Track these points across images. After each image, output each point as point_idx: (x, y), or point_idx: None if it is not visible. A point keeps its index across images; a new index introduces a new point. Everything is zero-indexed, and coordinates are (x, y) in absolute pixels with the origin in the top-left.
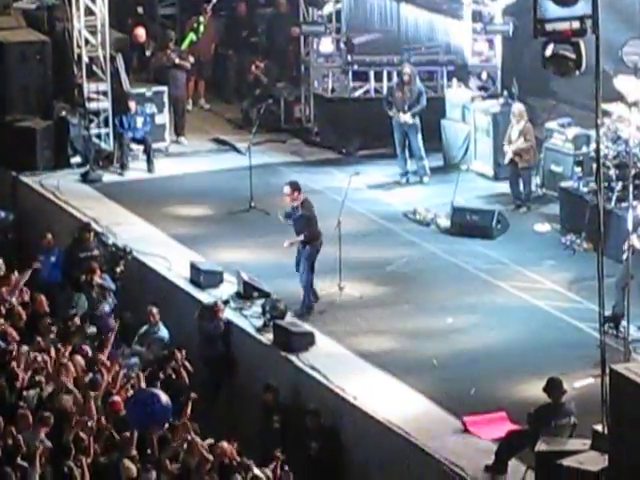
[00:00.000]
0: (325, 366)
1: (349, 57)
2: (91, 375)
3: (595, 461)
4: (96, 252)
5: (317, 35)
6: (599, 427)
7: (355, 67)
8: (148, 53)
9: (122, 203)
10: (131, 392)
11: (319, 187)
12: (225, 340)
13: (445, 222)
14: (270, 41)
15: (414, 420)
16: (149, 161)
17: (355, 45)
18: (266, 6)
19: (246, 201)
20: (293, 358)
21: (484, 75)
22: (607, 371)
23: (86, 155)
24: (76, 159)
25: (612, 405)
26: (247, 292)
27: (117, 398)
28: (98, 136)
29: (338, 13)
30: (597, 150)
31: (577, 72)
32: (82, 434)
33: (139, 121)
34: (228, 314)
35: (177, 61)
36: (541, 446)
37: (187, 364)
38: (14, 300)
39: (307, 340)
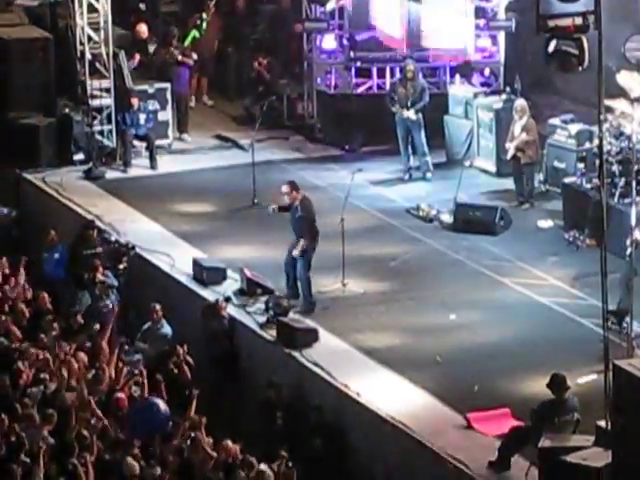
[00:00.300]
0: (329, 362)
1: (352, 53)
2: (93, 372)
3: (598, 457)
4: (99, 249)
5: (320, 31)
6: (602, 423)
7: (358, 63)
8: (151, 50)
9: (125, 200)
10: (135, 388)
11: (322, 183)
12: (229, 337)
13: (448, 218)
14: (273, 38)
15: (417, 416)
16: (152, 158)
17: (358, 41)
18: (269, 3)
19: (249, 198)
20: (296, 354)
21: (487, 71)
22: (610, 367)
23: (89, 152)
24: (79, 156)
25: (615, 401)
26: (250, 289)
27: (121, 395)
28: (101, 133)
29: (341, 9)
30: (600, 146)
31: (580, 68)
32: (85, 432)
33: (142, 118)
34: (231, 311)
35: (180, 58)
36: (544, 442)
37: (189, 359)
38: (14, 296)
39: (310, 336)
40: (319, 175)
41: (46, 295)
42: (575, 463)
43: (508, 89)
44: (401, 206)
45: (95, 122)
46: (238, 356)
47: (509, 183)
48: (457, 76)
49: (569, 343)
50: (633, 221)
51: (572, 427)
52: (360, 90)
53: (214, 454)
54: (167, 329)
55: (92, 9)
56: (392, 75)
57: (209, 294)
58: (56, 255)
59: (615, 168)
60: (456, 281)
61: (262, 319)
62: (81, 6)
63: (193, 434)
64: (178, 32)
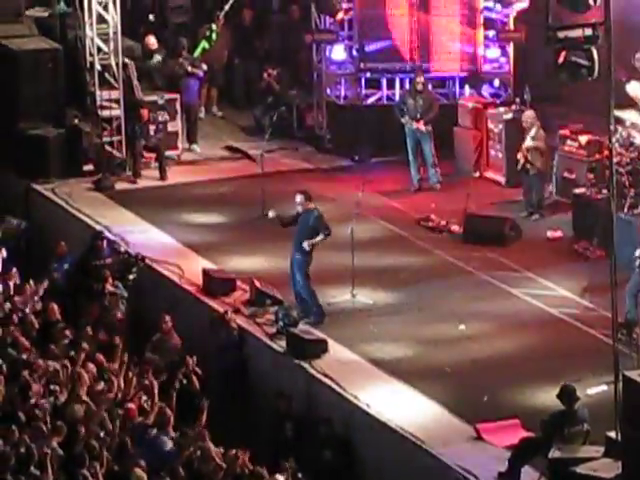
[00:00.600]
0: (338, 373)
1: (361, 64)
2: (103, 383)
3: (609, 468)
4: (108, 260)
5: (329, 42)
6: (612, 434)
7: (367, 74)
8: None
9: (134, 211)
10: (145, 399)
11: (332, 194)
12: (239, 348)
13: (458, 229)
14: (282, 48)
15: (427, 427)
16: (161, 169)
17: (367, 52)
18: (279, 13)
19: (259, 208)
20: (306, 365)
21: (497, 82)
22: (620, 378)
23: (98, 163)
24: (88, 167)
25: (625, 412)
26: (260, 300)
27: (131, 405)
28: (110, 144)
29: (350, 20)
30: (610, 157)
31: (589, 79)
32: (94, 443)
33: (151, 129)
34: (241, 322)
35: (190, 69)
36: (554, 453)
37: (198, 370)
38: (27, 309)
39: (320, 347)
40: (328, 186)
41: (55, 306)
42: (585, 474)
43: (518, 100)
44: (411, 217)
45: (104, 133)
46: (247, 367)
47: (518, 193)
48: (467, 87)
49: (579, 354)
50: None
51: (582, 438)
52: (370, 101)
53: (224, 465)
54: (176, 340)
55: (101, 20)
56: (402, 86)
57: (218, 305)
58: (65, 266)
59: (625, 179)
60: (465, 292)
61: (272, 330)
62: (90, 17)
63: (203, 444)
64: (188, 43)
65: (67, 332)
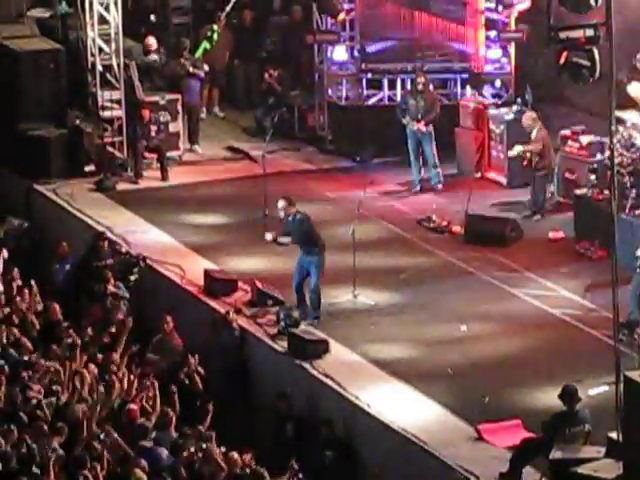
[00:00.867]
0: (339, 374)
1: (363, 65)
2: (104, 384)
3: (610, 469)
4: (110, 261)
5: (331, 43)
6: (614, 434)
7: (369, 75)
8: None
9: (136, 211)
10: (147, 400)
11: (333, 195)
12: (240, 349)
13: (459, 230)
14: (284, 49)
15: (428, 428)
16: (163, 169)
17: (369, 53)
18: (281, 14)
19: (260, 209)
20: (307, 366)
21: (498, 83)
22: (621, 378)
23: (100, 163)
24: (90, 167)
25: (627, 412)
26: (261, 300)
27: (133, 406)
28: (112, 144)
29: (352, 21)
30: (611, 158)
31: (591, 79)
32: (95, 444)
33: (153, 129)
34: (242, 323)
35: (191, 69)
36: (556, 454)
37: (200, 369)
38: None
39: (321, 348)
40: (330, 186)
41: (57, 307)
42: (586, 475)
43: (519, 100)
44: (412, 217)
45: (106, 133)
46: (248, 367)
47: (520, 194)
48: (468, 88)
49: (580, 354)
50: None
51: (583, 438)
52: (371, 102)
53: (225, 466)
54: (178, 341)
55: (103, 20)
56: (403, 87)
57: (220, 306)
58: (67, 267)
59: (626, 180)
60: (467, 292)
61: (273, 330)
62: (92, 17)
63: (205, 445)
64: (189, 44)
65: (71, 332)
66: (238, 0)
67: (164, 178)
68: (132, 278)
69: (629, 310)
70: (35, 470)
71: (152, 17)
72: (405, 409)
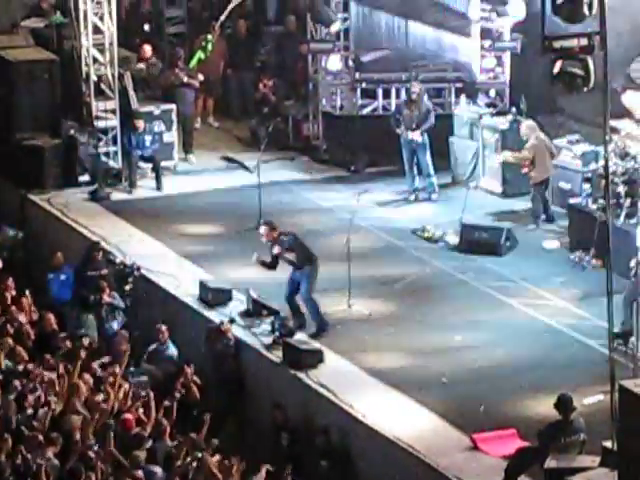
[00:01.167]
0: (334, 384)
1: (357, 74)
2: (99, 394)
3: (604, 478)
4: (105, 271)
5: (325, 52)
6: (608, 444)
7: (363, 84)
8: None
9: (131, 221)
10: (142, 410)
11: (328, 205)
12: (235, 359)
13: (454, 239)
14: (278, 59)
15: (423, 437)
16: (157, 179)
17: (363, 62)
18: (275, 24)
19: (255, 219)
20: (302, 376)
21: (492, 92)
22: (616, 387)
23: (94, 173)
24: (84, 177)
25: (621, 421)
26: (256, 310)
27: (128, 416)
28: (106, 154)
29: (346, 30)
30: (605, 167)
31: (585, 89)
32: (90, 454)
33: (147, 139)
34: (237, 332)
35: (185, 79)
36: (550, 463)
37: (196, 379)
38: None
39: (316, 358)
40: (324, 196)
41: (52, 317)
42: None
43: (514, 110)
44: (407, 227)
45: (100, 143)
46: (243, 377)
47: (515, 204)
48: (462, 97)
49: (575, 364)
50: (639, 242)
51: (578, 448)
52: (365, 111)
53: (220, 475)
54: (173, 350)
55: (97, 30)
56: (397, 96)
57: (215, 315)
58: (62, 277)
59: (621, 189)
60: (462, 302)
61: (268, 340)
62: (86, 27)
63: (200, 455)
64: (184, 53)
65: (67, 342)
66: (233, 10)
67: (159, 188)
68: (127, 288)
69: (622, 319)
70: None
71: (146, 27)
72: (400, 418)
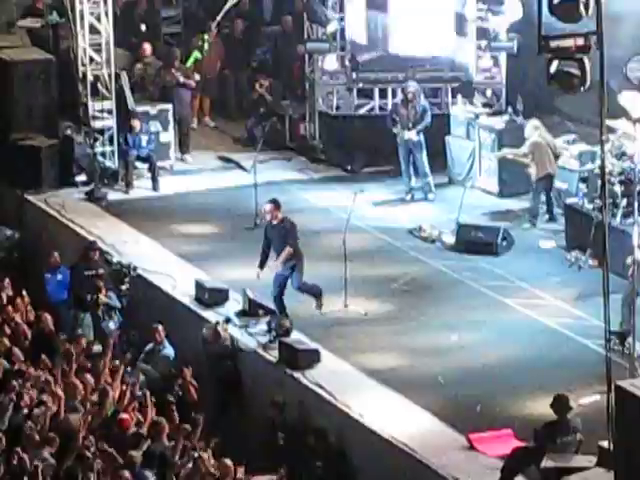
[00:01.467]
0: (330, 383)
1: (354, 74)
2: (96, 394)
3: (601, 478)
4: (101, 270)
5: (321, 53)
6: (605, 444)
7: (360, 84)
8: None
9: (127, 221)
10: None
11: (324, 204)
12: (232, 359)
13: (450, 239)
14: (275, 59)
15: (420, 437)
16: (154, 179)
17: (359, 62)
18: (272, 24)
19: (251, 219)
20: (298, 375)
21: (489, 92)
22: (613, 387)
23: (91, 173)
24: (81, 177)
25: (618, 421)
26: (252, 310)
27: (125, 415)
28: (103, 154)
29: (342, 31)
30: (602, 167)
31: (582, 89)
32: (88, 454)
33: (144, 139)
34: (234, 332)
35: (182, 79)
36: (547, 463)
37: (194, 381)
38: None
39: (312, 357)
40: (321, 196)
41: (49, 316)
42: None
43: (510, 110)
44: (403, 227)
45: (97, 143)
46: (240, 377)
47: (511, 203)
48: (459, 97)
49: (571, 364)
50: (635, 241)
51: (574, 448)
52: (362, 111)
53: (217, 474)
54: (170, 350)
55: (94, 30)
56: (394, 96)
57: (211, 315)
58: (59, 277)
59: (617, 188)
60: (458, 302)
61: (264, 340)
62: (83, 27)
63: (197, 454)
64: (180, 53)
65: (67, 344)
66: (229, 10)
67: (155, 188)
68: (123, 287)
69: (620, 319)
70: None
71: (142, 27)
72: (396, 418)
